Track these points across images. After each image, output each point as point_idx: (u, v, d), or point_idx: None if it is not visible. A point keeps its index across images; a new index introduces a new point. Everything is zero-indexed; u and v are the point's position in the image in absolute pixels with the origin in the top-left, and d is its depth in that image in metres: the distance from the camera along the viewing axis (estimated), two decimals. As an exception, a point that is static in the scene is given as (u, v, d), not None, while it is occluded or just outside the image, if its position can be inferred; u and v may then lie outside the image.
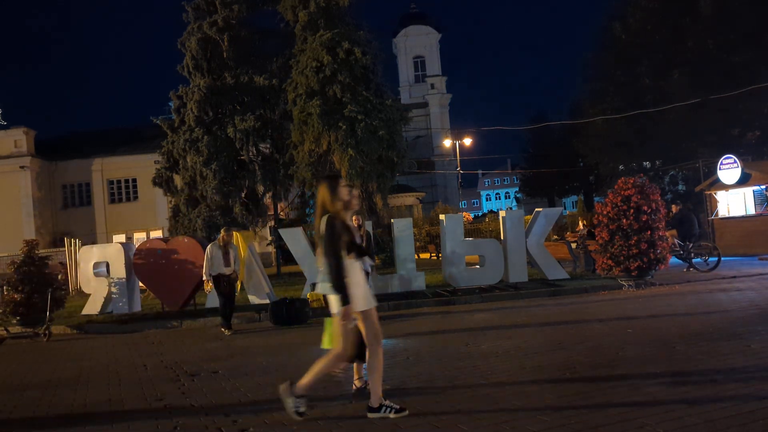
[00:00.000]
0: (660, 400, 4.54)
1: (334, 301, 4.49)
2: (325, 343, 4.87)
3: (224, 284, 10.11)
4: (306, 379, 4.57)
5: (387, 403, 4.56)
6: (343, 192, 4.62)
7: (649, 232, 11.72)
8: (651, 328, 7.65)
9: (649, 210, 11.75)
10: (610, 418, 4.19)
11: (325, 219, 4.53)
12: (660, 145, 30.83)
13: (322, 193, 4.65)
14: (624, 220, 11.80)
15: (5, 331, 11.15)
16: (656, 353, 6.18)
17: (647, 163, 34.82)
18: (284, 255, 21.77)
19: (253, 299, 12.50)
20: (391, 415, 4.49)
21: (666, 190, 32.14)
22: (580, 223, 16.22)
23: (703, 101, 25.05)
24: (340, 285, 4.38)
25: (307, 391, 4.59)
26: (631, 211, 11.77)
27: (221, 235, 10.34)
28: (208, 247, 10.25)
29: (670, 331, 7.34)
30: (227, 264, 10.11)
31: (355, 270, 4.58)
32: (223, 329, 10.07)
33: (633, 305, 9.96)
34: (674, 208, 15.36)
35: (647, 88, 30.40)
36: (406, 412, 4.52)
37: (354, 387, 5.26)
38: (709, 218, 19.68)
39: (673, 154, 30.61)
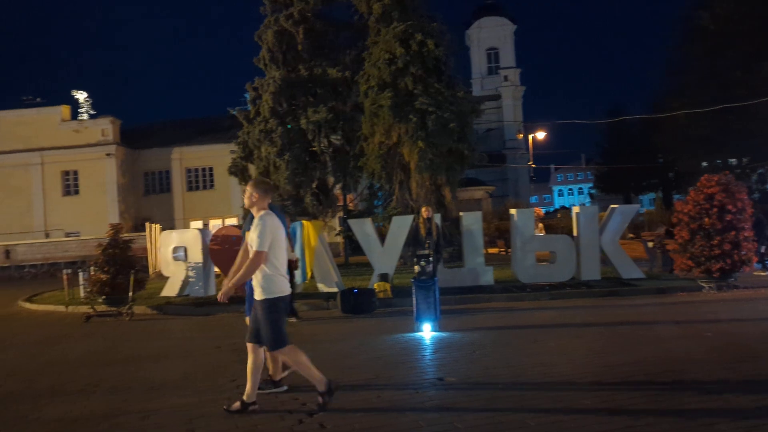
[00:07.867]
0: (738, 409, 4.34)
1: None
2: None
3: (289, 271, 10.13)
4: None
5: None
6: None
7: (733, 233, 11.12)
8: (732, 333, 7.29)
9: (735, 209, 11.16)
10: (679, 424, 4.03)
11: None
12: (747, 141, 29.15)
13: None
14: (706, 219, 11.27)
15: (92, 309, 11.84)
16: (736, 359, 5.88)
17: (733, 160, 33.02)
18: (352, 245, 22.02)
19: (322, 287, 12.75)
20: None
21: (753, 189, 30.40)
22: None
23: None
24: None
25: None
26: (714, 210, 11.22)
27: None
28: None
29: (754, 336, 6.97)
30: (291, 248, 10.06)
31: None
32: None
33: (713, 308, 9.51)
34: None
35: (735, 81, 28.79)
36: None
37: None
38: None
39: (762, 151, 28.89)
